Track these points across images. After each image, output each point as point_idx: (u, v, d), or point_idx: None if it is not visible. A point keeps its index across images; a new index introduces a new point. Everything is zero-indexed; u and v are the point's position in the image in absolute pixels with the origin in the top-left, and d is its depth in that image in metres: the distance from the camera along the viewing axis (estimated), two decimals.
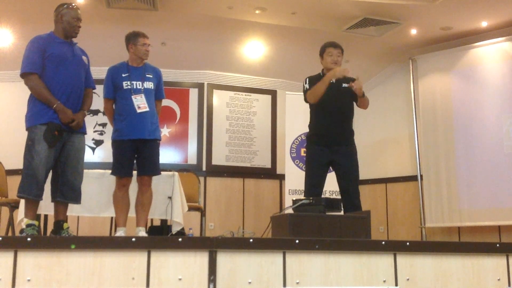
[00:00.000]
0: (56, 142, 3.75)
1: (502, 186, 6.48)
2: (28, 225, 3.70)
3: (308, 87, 4.70)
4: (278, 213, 4.23)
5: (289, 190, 6.90)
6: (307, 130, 4.87)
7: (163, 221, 5.37)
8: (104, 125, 7.37)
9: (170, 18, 6.50)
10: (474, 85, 6.92)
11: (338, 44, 4.77)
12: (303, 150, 6.80)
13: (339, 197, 4.75)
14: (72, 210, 4.41)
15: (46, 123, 3.73)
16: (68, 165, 3.85)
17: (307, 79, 4.76)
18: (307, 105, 4.84)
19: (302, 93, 4.83)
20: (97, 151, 7.40)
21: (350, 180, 4.63)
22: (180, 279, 2.62)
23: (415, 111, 7.47)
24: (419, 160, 7.35)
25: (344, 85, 4.69)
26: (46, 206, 4.42)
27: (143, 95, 4.37)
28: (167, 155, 7.39)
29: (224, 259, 2.67)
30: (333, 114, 4.64)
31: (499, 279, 3.10)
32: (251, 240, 2.73)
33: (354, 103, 4.82)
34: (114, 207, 4.44)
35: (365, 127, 7.95)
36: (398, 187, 7.72)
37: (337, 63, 4.70)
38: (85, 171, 4.08)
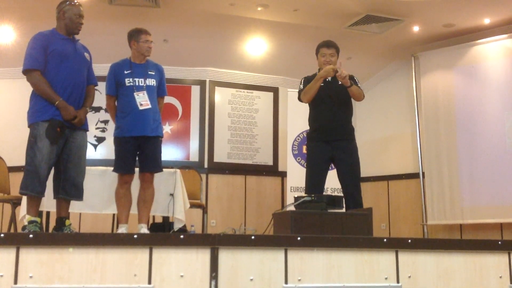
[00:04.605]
0: (58, 139, 3.75)
1: (504, 184, 6.48)
2: (30, 222, 3.71)
3: (302, 88, 4.76)
4: (280, 210, 4.23)
5: (290, 187, 6.91)
6: (308, 127, 4.88)
7: (165, 218, 5.37)
8: (106, 122, 7.37)
9: (172, 15, 6.50)
10: (476, 82, 6.91)
11: (332, 44, 4.76)
12: (304, 147, 6.79)
13: (341, 194, 4.75)
14: (74, 207, 4.42)
15: (48, 120, 3.73)
16: (70, 162, 3.85)
17: (303, 79, 4.82)
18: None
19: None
20: (99, 148, 7.41)
21: (351, 177, 4.63)
22: (182, 276, 2.63)
23: (417, 108, 7.47)
24: (421, 157, 7.34)
25: (340, 83, 4.70)
26: (48, 203, 4.42)
27: (145, 92, 4.37)
28: (169, 152, 7.39)
29: (226, 256, 2.67)
30: (332, 110, 4.66)
31: (501, 277, 3.09)
32: (252, 237, 2.73)
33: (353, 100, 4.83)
34: (116, 204, 4.44)
35: (367, 124, 7.95)
36: (400, 184, 7.72)
37: (329, 63, 4.70)
38: (87, 168, 4.08)
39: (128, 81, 4.37)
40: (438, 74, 7.25)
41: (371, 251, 2.89)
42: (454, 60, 7.10)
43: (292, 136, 7.11)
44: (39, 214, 3.97)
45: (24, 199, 4.47)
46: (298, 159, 7.02)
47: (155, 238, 2.71)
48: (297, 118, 6.88)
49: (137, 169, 4.45)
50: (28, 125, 3.82)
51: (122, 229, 4.30)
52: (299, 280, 2.75)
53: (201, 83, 7.75)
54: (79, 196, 3.94)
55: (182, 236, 2.68)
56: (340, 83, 4.70)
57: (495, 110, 6.69)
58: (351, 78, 4.78)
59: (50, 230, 4.79)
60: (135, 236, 2.66)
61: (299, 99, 4.81)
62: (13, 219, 4.98)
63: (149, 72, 4.46)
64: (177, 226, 5.11)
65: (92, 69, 4.13)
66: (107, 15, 6.38)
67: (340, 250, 2.84)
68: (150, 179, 4.43)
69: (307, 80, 4.76)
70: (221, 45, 7.25)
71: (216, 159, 7.61)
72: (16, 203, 4.96)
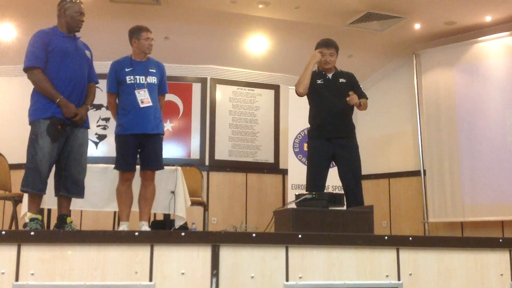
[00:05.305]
0: (59, 136, 3.75)
1: (505, 181, 6.47)
2: (31, 219, 3.71)
3: None
4: (281, 207, 4.23)
5: (292, 185, 6.91)
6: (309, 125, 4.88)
7: (166, 216, 5.37)
8: (107, 119, 7.38)
9: (173, 13, 6.50)
10: (477, 80, 6.90)
11: (332, 43, 4.74)
12: (306, 144, 6.79)
13: (342, 192, 4.75)
14: (76, 204, 4.42)
15: (49, 118, 3.73)
16: (71, 159, 3.85)
17: None
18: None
19: None
20: (100, 145, 7.41)
21: (352, 175, 4.63)
22: (183, 273, 2.63)
23: (419, 106, 7.46)
24: (422, 155, 7.34)
25: (341, 80, 4.71)
26: (50, 201, 4.43)
27: (146, 90, 4.37)
28: (170, 149, 7.40)
29: (227, 254, 2.67)
30: (332, 108, 4.65)
31: (502, 274, 3.10)
32: (254, 235, 2.73)
33: None
34: (117, 201, 4.44)
35: (368, 122, 7.94)
36: (401, 182, 7.72)
37: (329, 63, 4.70)
38: (88, 165, 4.08)
39: (129, 79, 4.37)
40: (439, 72, 7.24)
41: (372, 248, 2.89)
42: (455, 57, 7.09)
43: (293, 133, 7.11)
44: (40, 212, 3.97)
45: (25, 196, 4.48)
46: (299, 156, 7.02)
47: (156, 235, 2.72)
48: (298, 116, 6.87)
49: (138, 167, 4.45)
50: (29, 122, 3.82)
51: (123, 227, 4.30)
52: (300, 277, 2.75)
53: (202, 81, 7.74)
54: (80, 193, 3.94)
55: (183, 234, 2.68)
56: (341, 81, 4.71)
57: (496, 108, 6.68)
58: (352, 77, 4.79)
59: (51, 227, 4.79)
60: (136, 233, 2.66)
61: (296, 92, 4.79)
62: (14, 216, 4.98)
63: (150, 70, 4.46)
64: (178, 223, 5.11)
65: (93, 67, 4.13)
66: (108, 12, 6.38)
67: (341, 248, 2.85)
68: (151, 177, 4.44)
69: None
70: (222, 42, 7.25)
71: (217, 156, 7.61)
72: (17, 200, 4.96)
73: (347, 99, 4.56)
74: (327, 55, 4.69)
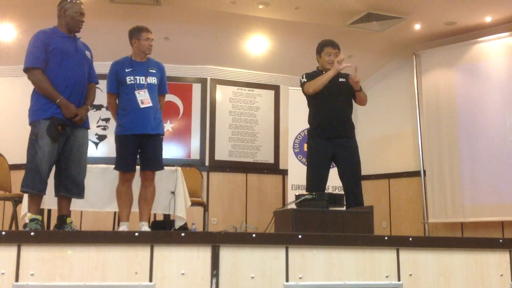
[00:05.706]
0: (59, 137, 3.75)
1: (505, 182, 6.47)
2: (31, 220, 3.71)
3: (306, 80, 4.74)
4: (281, 208, 4.23)
5: (292, 185, 6.91)
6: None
7: (166, 216, 5.37)
8: (107, 120, 7.38)
9: (173, 13, 6.50)
10: (478, 81, 6.90)
11: (336, 43, 4.78)
12: (306, 145, 6.80)
13: (342, 192, 4.75)
14: (75, 204, 4.42)
15: (49, 118, 3.73)
16: (71, 159, 3.85)
17: (304, 74, 4.81)
18: None
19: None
20: (100, 146, 7.41)
21: (352, 175, 4.63)
22: (183, 273, 2.63)
23: (419, 107, 7.46)
24: (422, 155, 7.34)
25: (341, 79, 4.72)
26: (50, 201, 4.42)
27: (146, 90, 4.37)
28: (170, 150, 7.39)
29: (227, 254, 2.67)
30: (332, 107, 4.66)
31: (502, 275, 3.10)
32: (254, 235, 2.73)
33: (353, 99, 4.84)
34: (117, 201, 4.44)
35: (368, 122, 7.94)
36: (401, 182, 7.72)
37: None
38: (88, 166, 4.08)
39: (129, 79, 4.37)
40: (440, 72, 7.24)
41: (372, 249, 2.89)
42: (455, 58, 7.09)
43: (293, 134, 7.11)
44: (41, 212, 3.97)
45: (25, 197, 4.48)
46: (299, 157, 7.02)
47: (156, 235, 2.72)
48: (298, 116, 6.87)
49: (138, 167, 4.45)
50: (29, 123, 3.82)
51: (123, 227, 4.30)
52: (300, 278, 2.75)
53: (202, 81, 7.74)
54: (80, 193, 3.94)
55: (183, 234, 2.68)
56: (340, 80, 4.71)
57: (496, 108, 6.69)
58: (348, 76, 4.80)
59: (51, 228, 4.79)
60: (136, 234, 2.66)
61: (305, 90, 4.73)
62: (14, 217, 4.98)
63: (150, 70, 4.46)
64: (178, 224, 5.11)
65: (93, 67, 4.13)
66: (108, 13, 6.38)
67: (341, 248, 2.85)
68: (151, 177, 4.44)
69: (309, 76, 4.75)
70: (222, 43, 7.25)
71: (217, 157, 7.61)
72: (17, 201, 4.95)
73: (350, 74, 4.59)
74: (333, 55, 4.71)
